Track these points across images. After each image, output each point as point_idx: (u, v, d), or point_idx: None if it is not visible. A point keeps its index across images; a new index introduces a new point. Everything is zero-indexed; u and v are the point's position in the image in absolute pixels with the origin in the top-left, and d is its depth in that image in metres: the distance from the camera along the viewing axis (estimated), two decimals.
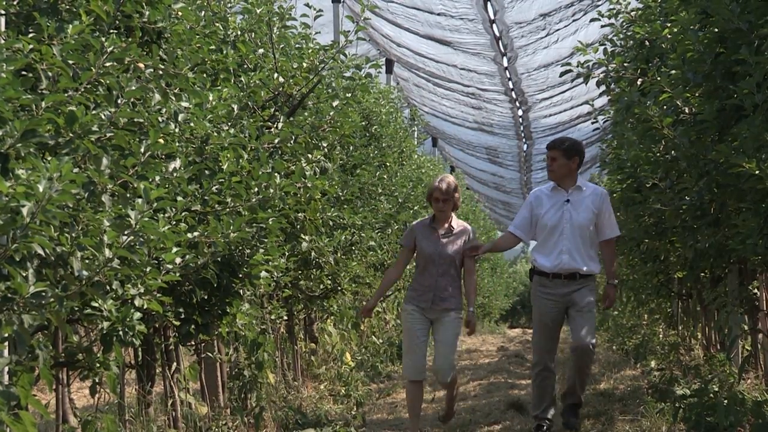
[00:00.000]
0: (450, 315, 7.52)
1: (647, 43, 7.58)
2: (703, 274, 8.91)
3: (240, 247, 5.51)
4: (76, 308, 4.00)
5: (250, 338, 7.45)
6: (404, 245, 7.75)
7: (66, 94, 3.90)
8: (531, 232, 7.74)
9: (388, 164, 12.16)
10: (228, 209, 5.17)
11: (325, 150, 7.14)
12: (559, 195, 7.60)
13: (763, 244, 5.25)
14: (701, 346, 11.20)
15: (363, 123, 10.94)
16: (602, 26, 8.54)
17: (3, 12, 4.13)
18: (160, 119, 4.60)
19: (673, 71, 5.84)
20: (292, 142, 6.35)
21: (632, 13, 8.04)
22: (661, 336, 13.73)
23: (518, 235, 7.76)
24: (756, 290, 8.26)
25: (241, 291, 5.76)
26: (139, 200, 3.86)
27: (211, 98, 5.25)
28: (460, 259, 7.62)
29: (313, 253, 8.02)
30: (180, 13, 5.26)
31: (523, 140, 25.51)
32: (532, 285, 7.82)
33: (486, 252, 8.23)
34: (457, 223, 7.69)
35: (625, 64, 7.29)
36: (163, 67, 4.74)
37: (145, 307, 4.33)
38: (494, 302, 31.18)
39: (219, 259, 5.20)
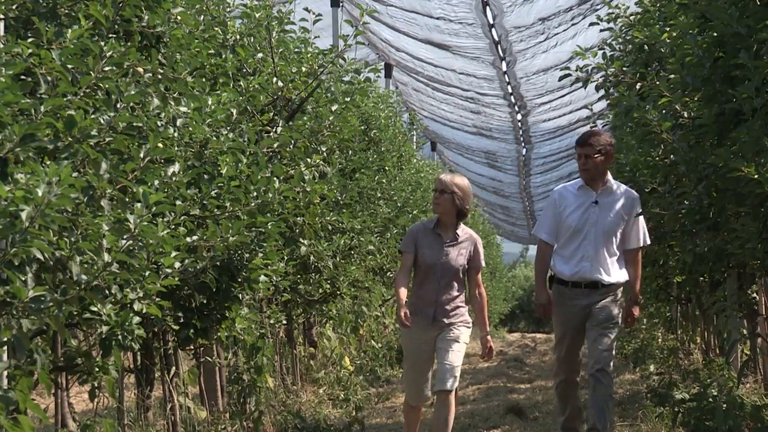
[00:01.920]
0: (454, 326, 6.70)
1: (646, 47, 7.58)
2: (702, 278, 8.92)
3: (239, 252, 5.50)
4: (75, 312, 4.00)
5: (249, 342, 7.45)
6: (405, 251, 6.83)
7: (65, 99, 3.90)
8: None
9: (387, 168, 12.16)
10: (227, 213, 5.17)
11: (324, 154, 7.14)
12: (587, 195, 6.96)
13: (762, 248, 5.24)
14: (700, 351, 11.21)
15: (362, 127, 10.93)
16: (601, 30, 8.54)
17: (2, 16, 4.13)
18: (159, 124, 4.60)
19: (672, 75, 5.84)
20: (291, 146, 6.35)
21: (631, 18, 8.04)
22: (660, 340, 13.75)
23: (551, 242, 7.06)
24: (755, 294, 8.27)
25: (240, 295, 5.76)
26: (138, 205, 3.86)
27: (210, 102, 5.24)
28: (464, 270, 6.78)
29: (312, 258, 8.02)
30: (179, 18, 5.26)
31: (522, 144, 25.50)
32: (552, 294, 7.10)
33: (544, 281, 7.17)
34: (463, 230, 6.87)
35: (624, 69, 7.28)
36: (162, 71, 4.74)
37: (144, 311, 4.32)
38: (493, 306, 31.19)
39: (218, 263, 5.20)
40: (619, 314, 6.94)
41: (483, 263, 6.89)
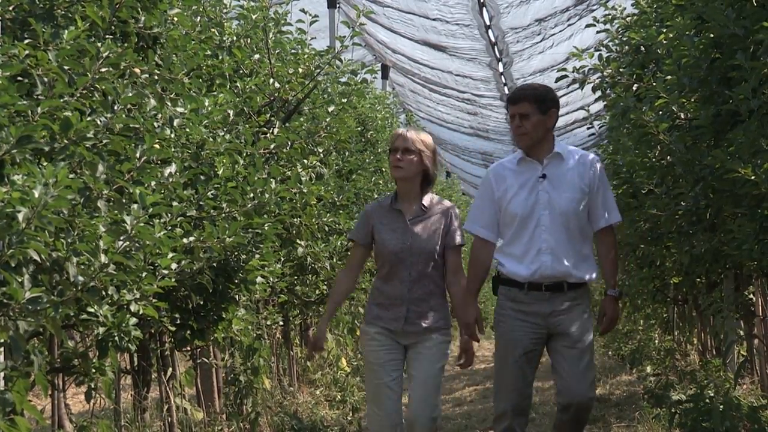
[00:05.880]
0: (432, 338, 5.23)
1: (643, 48, 7.58)
2: (698, 279, 8.92)
3: (236, 253, 5.51)
4: (72, 314, 4.00)
5: (246, 344, 7.45)
6: (356, 239, 5.39)
7: (62, 100, 3.90)
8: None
9: (383, 169, 12.17)
10: (224, 214, 5.17)
11: (321, 155, 7.14)
12: (531, 169, 5.28)
13: (759, 249, 5.25)
14: (697, 352, 11.21)
15: (359, 128, 10.94)
16: (598, 32, 8.53)
17: None
18: (155, 125, 4.60)
19: (669, 77, 5.84)
20: (287, 147, 6.35)
21: (628, 19, 8.03)
22: (656, 341, 13.74)
23: (491, 239, 5.32)
24: (751, 296, 8.27)
25: (236, 296, 5.76)
26: (135, 206, 3.86)
27: (206, 104, 5.24)
28: (442, 252, 5.27)
29: (308, 259, 8.02)
30: (176, 19, 5.26)
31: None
32: (497, 301, 5.40)
33: (477, 291, 5.36)
34: (431, 199, 5.36)
35: (621, 70, 7.28)
36: (158, 72, 4.74)
37: (140, 312, 4.32)
38: (490, 307, 31.16)
39: (215, 264, 5.20)
40: (591, 327, 5.33)
41: (460, 239, 5.34)
